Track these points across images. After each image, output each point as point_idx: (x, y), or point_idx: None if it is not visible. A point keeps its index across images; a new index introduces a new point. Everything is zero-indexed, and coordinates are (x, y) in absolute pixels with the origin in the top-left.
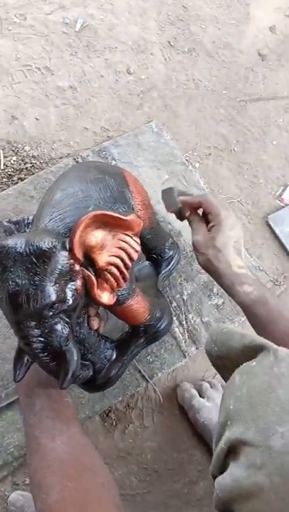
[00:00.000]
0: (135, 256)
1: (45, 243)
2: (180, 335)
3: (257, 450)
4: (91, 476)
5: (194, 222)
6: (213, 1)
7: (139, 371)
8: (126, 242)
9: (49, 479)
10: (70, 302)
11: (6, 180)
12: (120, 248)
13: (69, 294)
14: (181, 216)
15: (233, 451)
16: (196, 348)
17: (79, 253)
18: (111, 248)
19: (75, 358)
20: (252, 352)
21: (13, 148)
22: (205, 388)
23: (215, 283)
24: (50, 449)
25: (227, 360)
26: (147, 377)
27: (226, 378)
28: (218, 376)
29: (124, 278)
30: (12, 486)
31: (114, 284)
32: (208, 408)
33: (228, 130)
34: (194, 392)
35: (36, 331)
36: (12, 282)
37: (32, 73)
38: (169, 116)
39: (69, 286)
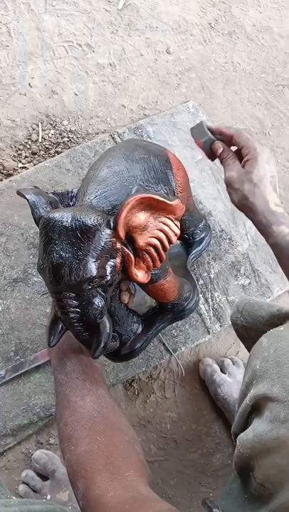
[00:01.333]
0: (174, 239)
1: (91, 220)
2: (205, 312)
3: (281, 405)
4: (118, 432)
5: (227, 158)
6: None
7: (164, 344)
8: (167, 226)
9: (79, 432)
10: (109, 278)
11: (43, 153)
12: (161, 230)
13: (108, 270)
14: (212, 153)
15: (257, 408)
16: (220, 326)
17: (122, 232)
18: (152, 230)
19: (108, 330)
20: (278, 320)
21: (52, 122)
22: (227, 364)
23: (242, 263)
24: (80, 406)
25: (252, 330)
26: (171, 351)
27: (249, 348)
28: (241, 353)
29: (160, 259)
30: (36, 444)
31: (151, 264)
32: (229, 383)
33: (264, 114)
34: (216, 367)
35: (74, 302)
36: (56, 254)
37: (73, 49)
38: (206, 97)
39: (109, 262)
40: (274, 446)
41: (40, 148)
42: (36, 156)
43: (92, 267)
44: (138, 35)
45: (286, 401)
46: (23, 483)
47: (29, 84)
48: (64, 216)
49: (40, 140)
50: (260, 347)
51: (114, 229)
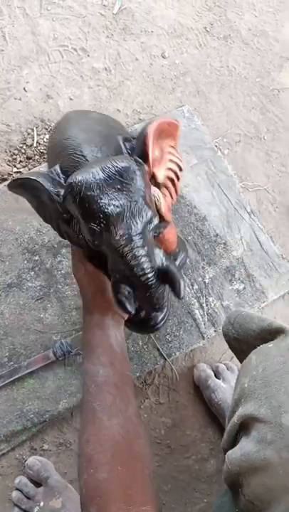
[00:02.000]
0: (183, 167)
1: (123, 161)
2: (200, 317)
3: (268, 426)
4: (140, 464)
5: None
6: None
7: (158, 349)
8: (173, 155)
9: (100, 456)
10: (157, 216)
11: (38, 157)
12: (171, 161)
13: (154, 206)
14: None
15: (244, 426)
16: (215, 331)
17: (151, 165)
18: (165, 162)
19: (176, 270)
20: (269, 335)
21: (47, 127)
22: (221, 369)
23: (237, 268)
24: (105, 427)
25: (243, 343)
26: (165, 356)
27: (241, 360)
28: (235, 359)
29: (176, 192)
30: (30, 450)
31: (170, 200)
32: (223, 389)
33: (259, 118)
34: (210, 372)
35: (143, 251)
36: (112, 206)
37: (68, 53)
38: (201, 101)
39: (153, 199)
40: (261, 466)
41: (35, 152)
42: (31, 160)
43: (148, 205)
44: (133, 40)
45: (273, 422)
46: (17, 489)
47: (24, 88)
48: (94, 171)
49: (35, 145)
50: (249, 364)
51: (146, 162)
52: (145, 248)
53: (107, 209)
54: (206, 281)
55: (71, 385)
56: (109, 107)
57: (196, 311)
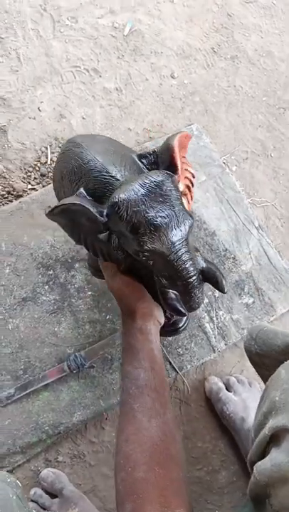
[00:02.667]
0: (195, 174)
1: (159, 176)
2: (210, 330)
3: None
4: (176, 468)
5: None
6: (257, 10)
7: (170, 362)
8: (187, 165)
9: (138, 456)
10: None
11: (51, 174)
12: (186, 170)
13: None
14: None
15: (275, 438)
16: (225, 344)
17: (180, 174)
18: (183, 172)
19: (216, 269)
20: None
21: (60, 145)
22: (232, 382)
23: (246, 282)
24: (145, 428)
25: (266, 358)
26: (177, 369)
27: (262, 375)
28: (246, 372)
29: (192, 198)
30: (45, 462)
31: (188, 206)
32: (235, 402)
33: (266, 136)
34: (222, 385)
35: (189, 255)
36: (158, 218)
37: (81, 74)
38: (209, 120)
39: (187, 206)
40: None
41: (49, 170)
42: (45, 177)
43: (187, 212)
44: (143, 60)
45: None
46: (32, 500)
47: (38, 108)
48: (135, 188)
49: (49, 162)
50: (278, 378)
51: (175, 172)
52: (189, 253)
53: (156, 221)
54: (216, 295)
55: (85, 397)
56: (120, 125)
57: (207, 325)
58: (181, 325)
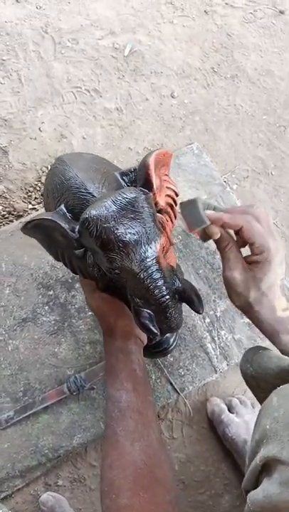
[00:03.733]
0: (178, 193)
1: (132, 193)
2: (212, 350)
3: None
4: (161, 491)
5: (227, 250)
6: (256, 30)
7: (171, 383)
8: (169, 182)
9: (122, 482)
10: (167, 239)
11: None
12: (168, 188)
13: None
14: (206, 237)
15: (267, 468)
16: (227, 364)
17: (156, 191)
18: (163, 189)
19: (191, 288)
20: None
21: None
22: (234, 404)
23: None
24: (127, 453)
25: (261, 381)
26: (178, 390)
27: (259, 397)
28: (248, 393)
29: (175, 216)
30: (44, 486)
31: (170, 225)
32: (237, 423)
33: (266, 154)
34: (224, 407)
35: (159, 273)
36: (128, 235)
37: (81, 95)
38: (210, 139)
39: (160, 224)
40: (283, 508)
41: None
42: None
43: (160, 229)
44: (144, 81)
45: None
46: None
47: (39, 128)
48: (106, 205)
49: None
50: (270, 405)
51: (150, 190)
52: (161, 271)
53: (125, 238)
54: (218, 314)
55: (85, 419)
56: (121, 145)
57: (209, 345)
58: (167, 346)
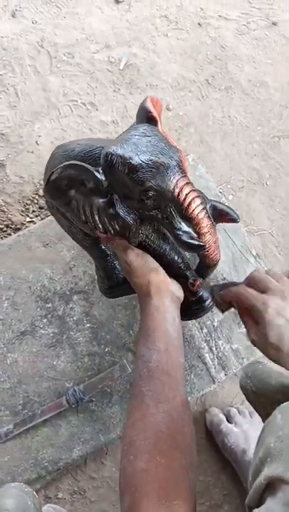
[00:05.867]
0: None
1: (143, 125)
2: (210, 360)
3: None
4: (179, 455)
5: (242, 319)
6: (250, 41)
7: None
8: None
9: (141, 443)
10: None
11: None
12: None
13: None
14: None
15: (271, 487)
16: (225, 374)
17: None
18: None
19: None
20: None
21: None
22: (233, 414)
23: None
24: (151, 413)
25: (262, 396)
26: None
27: (259, 412)
28: (246, 403)
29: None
30: (45, 499)
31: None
32: (236, 433)
33: (261, 165)
34: (223, 417)
35: (191, 186)
36: (152, 152)
37: (78, 108)
38: (205, 150)
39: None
40: None
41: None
42: (43, 210)
43: (176, 147)
44: (139, 93)
45: None
46: None
47: (36, 142)
48: (123, 139)
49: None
50: (274, 423)
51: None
52: (192, 184)
53: (151, 156)
54: (215, 324)
55: (84, 432)
56: None
57: (206, 355)
58: (206, 299)
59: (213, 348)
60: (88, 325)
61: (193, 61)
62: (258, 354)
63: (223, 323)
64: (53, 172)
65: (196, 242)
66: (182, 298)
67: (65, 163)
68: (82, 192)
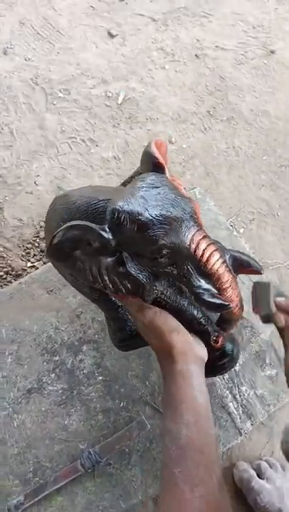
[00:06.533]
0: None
1: (150, 175)
2: (234, 410)
3: None
4: None
5: (284, 341)
6: (249, 71)
7: None
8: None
9: None
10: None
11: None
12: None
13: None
14: (268, 320)
15: None
16: (252, 424)
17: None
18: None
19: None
20: None
21: None
22: (264, 468)
23: (267, 352)
24: (185, 500)
25: None
26: None
27: None
28: (276, 453)
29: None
30: None
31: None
32: (269, 490)
33: (270, 195)
34: (253, 472)
35: (208, 240)
36: (164, 209)
37: (77, 145)
38: (212, 183)
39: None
40: None
41: None
42: (45, 253)
43: (188, 197)
44: (140, 127)
45: None
46: None
47: (35, 182)
48: (129, 192)
49: None
50: None
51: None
52: (208, 237)
53: (162, 210)
54: (237, 368)
55: (103, 499)
56: None
57: (230, 404)
58: (231, 352)
59: (237, 396)
60: (100, 378)
61: (192, 93)
62: (285, 400)
63: (244, 367)
64: (55, 235)
65: (219, 301)
66: (206, 358)
67: (67, 225)
68: (88, 252)
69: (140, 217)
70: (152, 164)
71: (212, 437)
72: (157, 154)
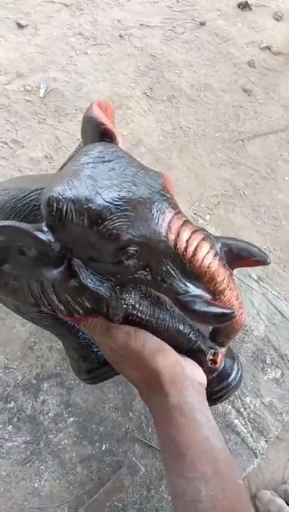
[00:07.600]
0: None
1: (96, 145)
2: (243, 428)
3: None
4: None
5: None
6: (181, 46)
7: None
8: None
9: None
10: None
11: None
12: None
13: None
14: None
15: None
16: (266, 441)
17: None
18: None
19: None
20: None
21: None
22: None
23: (265, 351)
24: None
25: None
26: None
27: None
28: None
29: None
30: None
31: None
32: None
33: (232, 174)
34: (281, 501)
35: (190, 225)
36: (124, 190)
37: None
38: (163, 169)
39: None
40: None
41: None
42: None
43: (153, 170)
44: (69, 120)
45: None
46: None
47: None
48: (69, 172)
49: None
50: None
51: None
52: (189, 221)
53: (120, 192)
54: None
55: None
56: None
57: (236, 422)
58: (232, 371)
59: (242, 410)
60: (71, 419)
61: (123, 75)
62: None
63: (244, 374)
64: None
65: (219, 310)
66: (205, 381)
67: (3, 224)
68: (22, 264)
69: (90, 204)
70: (98, 132)
71: (242, 490)
72: (103, 118)
